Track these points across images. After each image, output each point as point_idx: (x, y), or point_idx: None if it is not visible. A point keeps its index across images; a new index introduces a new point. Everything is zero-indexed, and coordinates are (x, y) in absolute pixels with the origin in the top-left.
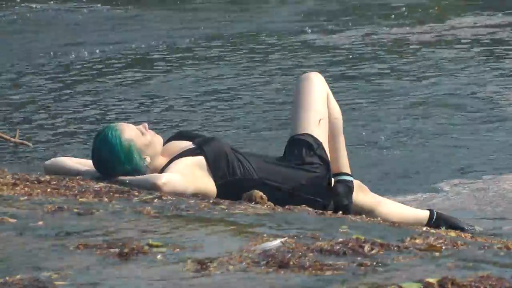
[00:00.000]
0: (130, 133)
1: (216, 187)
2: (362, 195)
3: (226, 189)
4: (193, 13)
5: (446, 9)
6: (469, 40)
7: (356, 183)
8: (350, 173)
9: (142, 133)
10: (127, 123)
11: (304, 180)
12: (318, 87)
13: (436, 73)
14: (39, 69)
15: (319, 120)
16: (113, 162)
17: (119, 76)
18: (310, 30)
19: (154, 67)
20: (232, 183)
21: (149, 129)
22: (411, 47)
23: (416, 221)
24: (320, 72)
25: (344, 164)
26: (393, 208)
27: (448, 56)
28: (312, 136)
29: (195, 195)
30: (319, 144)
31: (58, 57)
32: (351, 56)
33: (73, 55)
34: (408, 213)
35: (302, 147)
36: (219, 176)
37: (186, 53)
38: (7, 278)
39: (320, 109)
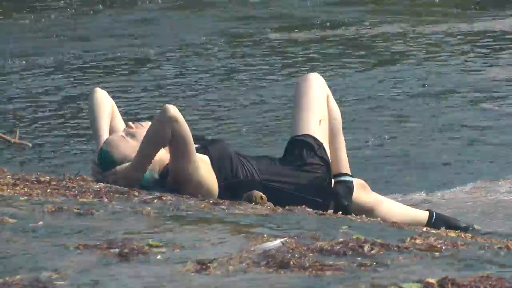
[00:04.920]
0: (120, 150)
1: (218, 188)
2: (364, 193)
3: (227, 190)
4: (193, 12)
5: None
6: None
7: (358, 181)
8: (350, 173)
9: (131, 135)
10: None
11: (305, 181)
12: (317, 88)
13: (438, 70)
14: (39, 69)
15: (320, 121)
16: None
17: (121, 76)
18: (312, 28)
19: (152, 67)
20: (233, 184)
21: (136, 122)
22: (419, 40)
23: (416, 222)
24: (320, 73)
25: (344, 164)
26: (393, 208)
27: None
28: (312, 137)
29: (196, 189)
30: (320, 145)
31: (57, 57)
32: (351, 53)
33: (73, 55)
34: (408, 213)
35: (302, 147)
36: (222, 177)
37: (185, 52)
38: (7, 278)
39: (320, 110)
